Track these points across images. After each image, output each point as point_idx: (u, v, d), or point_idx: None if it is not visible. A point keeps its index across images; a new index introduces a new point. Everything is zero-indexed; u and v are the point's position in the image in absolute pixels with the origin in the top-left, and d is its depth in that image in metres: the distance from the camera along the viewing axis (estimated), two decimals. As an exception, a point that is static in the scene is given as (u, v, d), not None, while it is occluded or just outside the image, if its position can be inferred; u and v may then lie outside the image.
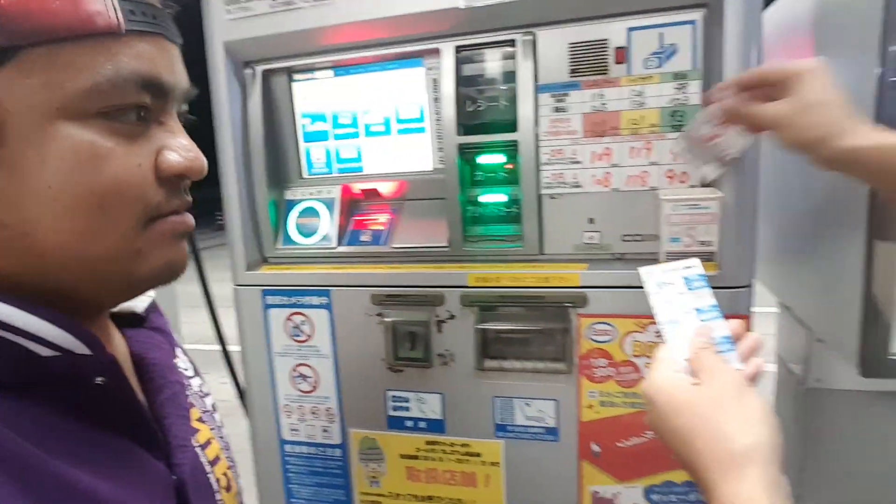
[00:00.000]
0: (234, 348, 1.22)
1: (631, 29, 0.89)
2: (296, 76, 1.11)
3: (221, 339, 1.27)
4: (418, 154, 1.06)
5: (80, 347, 0.39)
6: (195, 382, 0.60)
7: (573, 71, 0.92)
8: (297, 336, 1.06)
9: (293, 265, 1.08)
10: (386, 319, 1.00)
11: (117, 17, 0.38)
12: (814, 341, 1.05)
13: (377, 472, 1.05)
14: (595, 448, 0.93)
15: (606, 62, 0.90)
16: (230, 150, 1.08)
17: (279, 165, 1.13)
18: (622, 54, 0.90)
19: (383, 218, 1.07)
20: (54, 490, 0.35)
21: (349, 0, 0.98)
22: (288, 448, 1.11)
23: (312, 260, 1.08)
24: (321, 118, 1.11)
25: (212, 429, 0.57)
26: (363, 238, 1.07)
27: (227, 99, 1.08)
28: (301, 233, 1.10)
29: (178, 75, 0.43)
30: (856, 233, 0.82)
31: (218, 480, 0.52)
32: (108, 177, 0.38)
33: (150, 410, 0.48)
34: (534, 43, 0.93)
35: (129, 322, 0.54)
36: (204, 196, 1.48)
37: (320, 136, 1.12)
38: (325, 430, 1.08)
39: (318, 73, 1.10)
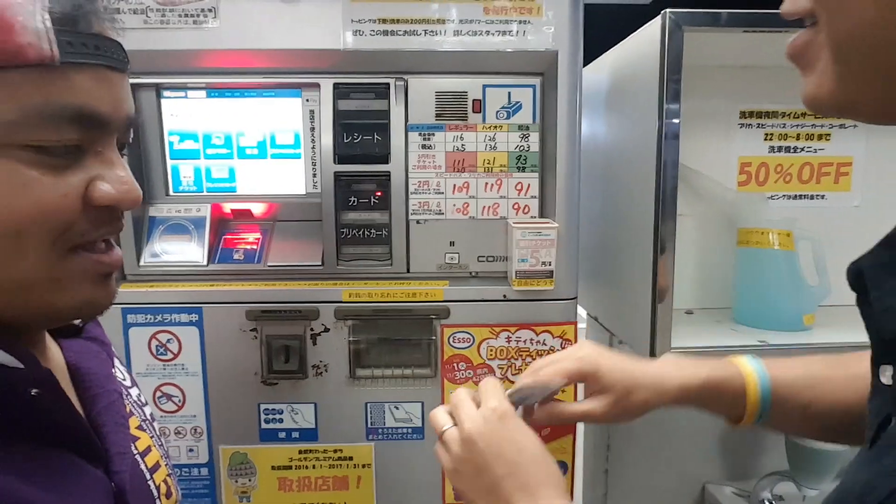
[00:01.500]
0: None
1: (486, 86, 1.07)
2: (165, 93, 1.11)
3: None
4: (292, 178, 1.12)
5: (12, 362, 0.39)
6: (133, 392, 0.60)
7: (438, 115, 1.07)
8: (163, 355, 1.05)
9: (158, 283, 1.07)
10: (261, 334, 1.04)
11: (51, 49, 0.36)
12: (616, 343, 1.32)
13: (248, 486, 1.07)
14: (453, 443, 1.06)
15: (466, 110, 1.07)
16: None
17: (142, 181, 1.11)
18: (478, 105, 1.08)
19: (256, 237, 1.11)
20: None
21: (232, 28, 1.03)
22: (144, 472, 1.07)
23: (181, 277, 1.07)
24: (192, 137, 1.12)
25: (151, 437, 0.57)
26: (236, 256, 1.09)
27: None
28: (168, 251, 1.09)
29: (119, 105, 0.43)
30: (645, 252, 1.07)
31: (158, 487, 0.53)
32: (26, 206, 0.38)
33: (87, 420, 0.48)
34: (405, 88, 1.06)
35: (65, 332, 0.54)
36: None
37: (190, 155, 1.12)
38: (190, 450, 1.06)
39: (190, 93, 1.11)
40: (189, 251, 1.09)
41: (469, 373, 1.05)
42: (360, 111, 1.08)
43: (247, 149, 1.12)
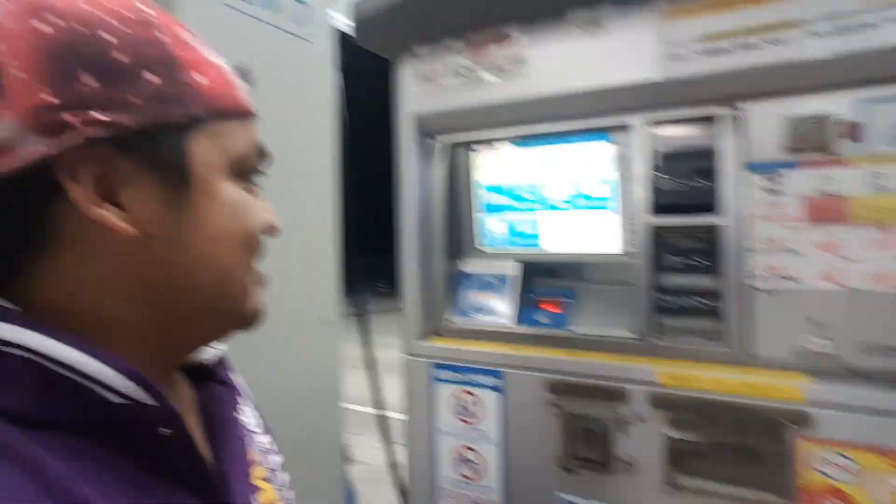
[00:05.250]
0: (393, 415, 1.22)
1: (868, 101, 0.75)
2: (475, 147, 1.10)
3: (380, 405, 1.29)
4: (602, 233, 0.99)
5: (145, 398, 0.40)
6: (264, 440, 0.59)
7: (790, 148, 0.80)
8: (464, 416, 1.03)
9: (465, 339, 1.05)
10: (562, 410, 0.93)
11: (247, 101, 0.47)
12: None
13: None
14: None
15: (830, 139, 0.77)
16: (412, 218, 1.10)
17: (454, 236, 1.12)
18: (855, 130, 0.77)
19: (562, 299, 1.01)
20: None
21: (537, 73, 0.95)
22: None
23: (485, 336, 1.04)
24: (498, 190, 1.09)
25: (277, 489, 0.55)
26: (540, 319, 1.01)
27: (414, 169, 1.10)
28: (474, 307, 1.07)
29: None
30: None
31: None
32: (254, 223, 0.47)
33: (213, 465, 0.48)
34: (738, 118, 0.82)
35: (198, 375, 0.55)
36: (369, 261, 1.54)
37: (497, 208, 1.09)
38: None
39: (498, 145, 1.08)
40: (494, 310, 1.05)
41: (845, 513, 0.74)
42: (681, 152, 0.88)
43: (552, 200, 1.03)
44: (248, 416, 0.59)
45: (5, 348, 0.37)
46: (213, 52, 0.47)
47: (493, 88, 1.00)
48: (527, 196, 1.06)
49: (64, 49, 0.38)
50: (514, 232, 1.08)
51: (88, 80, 0.38)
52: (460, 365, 1.03)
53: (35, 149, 0.37)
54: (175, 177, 0.42)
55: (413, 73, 1.10)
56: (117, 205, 0.41)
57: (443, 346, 1.06)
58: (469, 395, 1.02)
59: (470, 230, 1.12)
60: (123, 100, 0.39)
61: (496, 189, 1.09)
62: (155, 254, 0.43)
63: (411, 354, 1.09)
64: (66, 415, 0.38)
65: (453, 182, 1.12)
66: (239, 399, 0.58)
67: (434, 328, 1.10)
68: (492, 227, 1.10)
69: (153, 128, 0.41)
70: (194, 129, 0.43)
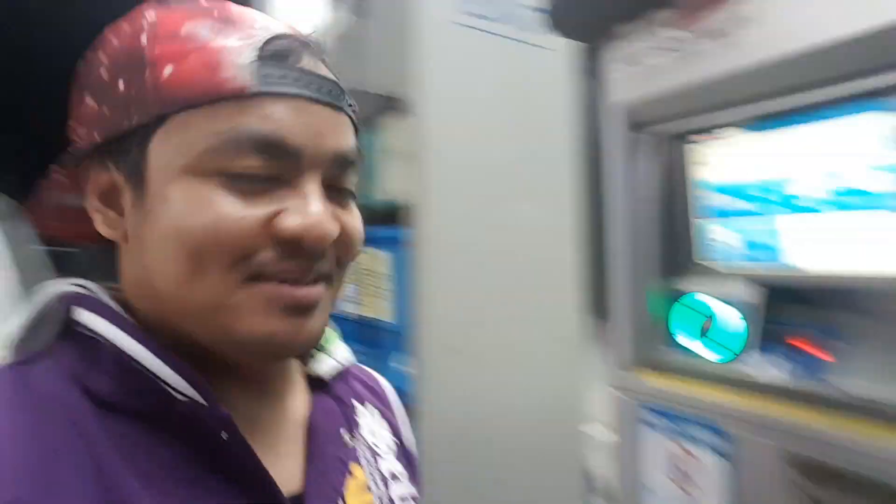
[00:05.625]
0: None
1: None
2: (695, 137, 0.87)
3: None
4: (879, 243, 0.67)
5: (198, 397, 0.40)
6: (395, 466, 0.54)
7: None
8: (679, 480, 0.82)
9: (683, 378, 0.84)
10: (810, 499, 0.66)
11: (247, 81, 0.39)
12: None
13: None
14: None
15: None
16: (621, 227, 0.93)
17: (670, 249, 0.90)
18: None
19: (819, 337, 0.73)
20: None
21: (769, 31, 0.70)
22: None
23: (709, 377, 0.81)
24: (726, 190, 0.84)
25: None
26: (784, 362, 0.74)
27: (622, 169, 0.93)
28: (695, 336, 0.85)
29: (319, 138, 0.41)
30: None
31: None
32: (201, 224, 0.39)
33: (302, 480, 0.46)
34: None
35: (315, 386, 0.52)
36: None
37: (725, 213, 0.84)
38: None
39: (724, 132, 0.83)
40: (722, 343, 0.81)
41: None
42: None
43: (801, 199, 0.75)
44: (375, 436, 0.56)
45: (99, 338, 0.41)
46: (248, 30, 0.40)
47: (715, 59, 0.77)
48: (765, 196, 0.79)
49: (82, 78, 0.43)
50: (748, 243, 0.82)
51: (89, 101, 0.42)
52: (674, 412, 0.82)
53: (74, 166, 0.43)
54: (136, 182, 0.41)
55: (616, 56, 0.93)
56: (123, 212, 0.43)
57: (655, 383, 0.87)
58: (685, 454, 0.81)
59: (689, 241, 0.89)
60: (100, 113, 0.41)
61: (724, 189, 0.84)
62: (133, 258, 0.43)
63: (617, 388, 0.92)
64: (139, 403, 0.40)
65: (668, 183, 0.90)
66: (358, 417, 0.55)
67: (646, 359, 0.91)
68: (718, 237, 0.85)
69: (118, 135, 0.41)
70: (155, 127, 0.40)
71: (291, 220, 0.40)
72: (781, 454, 0.69)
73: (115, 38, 0.43)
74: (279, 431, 0.47)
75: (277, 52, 0.40)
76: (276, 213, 0.40)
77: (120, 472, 0.38)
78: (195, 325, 0.41)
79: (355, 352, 0.57)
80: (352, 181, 0.45)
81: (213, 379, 0.42)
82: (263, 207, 0.40)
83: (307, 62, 0.42)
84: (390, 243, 1.44)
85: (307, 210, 0.40)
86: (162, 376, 0.39)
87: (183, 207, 0.39)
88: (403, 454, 0.59)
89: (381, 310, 1.58)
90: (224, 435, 0.40)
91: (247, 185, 0.39)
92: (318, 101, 0.41)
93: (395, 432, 0.59)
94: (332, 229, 0.41)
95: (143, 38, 0.40)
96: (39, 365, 0.41)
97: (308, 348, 0.45)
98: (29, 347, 0.42)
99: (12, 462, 0.35)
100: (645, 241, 0.91)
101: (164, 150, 0.40)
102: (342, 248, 0.43)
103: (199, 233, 0.39)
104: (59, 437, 0.37)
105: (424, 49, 1.29)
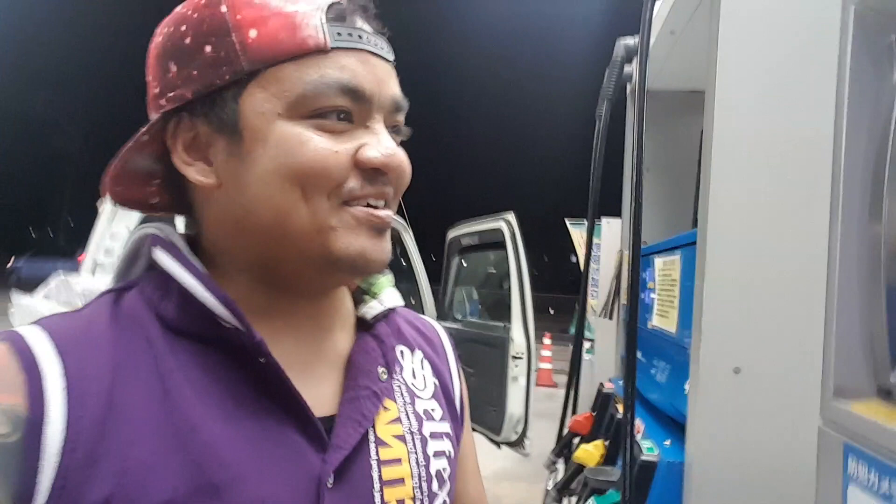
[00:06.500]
0: None
1: None
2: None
3: None
4: None
5: (236, 323, 0.46)
6: (424, 405, 0.58)
7: None
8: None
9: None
10: None
11: (324, 39, 0.47)
12: None
13: None
14: None
15: None
16: (860, 175, 0.60)
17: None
18: None
19: None
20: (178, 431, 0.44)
21: None
22: None
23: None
24: None
25: (411, 452, 0.54)
26: None
27: (865, 90, 0.61)
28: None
29: (382, 86, 0.49)
30: None
31: (385, 501, 0.51)
32: (307, 159, 0.46)
33: (338, 409, 0.51)
34: None
35: (360, 327, 0.58)
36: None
37: None
38: None
39: None
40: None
41: None
42: None
43: None
44: (416, 377, 0.61)
45: (168, 273, 0.49)
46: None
47: None
48: None
49: (162, 49, 0.50)
50: None
51: (172, 68, 0.49)
52: (885, 460, 0.52)
53: (157, 127, 0.50)
54: (232, 130, 0.48)
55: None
56: (211, 162, 0.50)
57: (867, 417, 0.56)
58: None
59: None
60: (188, 75, 0.48)
61: None
62: (231, 199, 0.49)
63: (825, 420, 0.62)
64: (196, 328, 0.48)
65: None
66: (400, 358, 0.60)
67: (877, 387, 0.58)
68: None
69: (208, 92, 0.47)
70: (247, 82, 0.47)
71: (374, 152, 0.48)
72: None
73: (191, 10, 0.49)
74: (322, 362, 0.54)
75: (339, 14, 0.49)
76: (359, 148, 0.49)
77: (182, 390, 0.45)
78: (294, 248, 0.48)
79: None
80: (402, 122, 0.54)
81: (272, 314, 0.51)
82: (348, 143, 0.48)
83: (361, 22, 0.50)
84: (685, 246, 1.29)
85: (384, 144, 0.49)
86: (209, 306, 0.47)
87: (286, 147, 0.46)
88: (444, 396, 0.63)
89: (670, 320, 1.43)
90: (262, 359, 0.47)
91: (328, 123, 0.48)
92: (377, 55, 0.50)
93: (440, 375, 0.64)
94: (406, 159, 0.51)
95: (223, 7, 0.47)
96: (130, 292, 0.51)
97: (385, 266, 0.53)
98: (125, 277, 0.54)
99: (111, 357, 0.46)
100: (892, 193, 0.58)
101: (258, 100, 0.47)
102: (400, 178, 0.52)
103: (305, 166, 0.46)
104: (138, 351, 0.46)
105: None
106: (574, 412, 2.00)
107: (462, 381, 0.68)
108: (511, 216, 2.96)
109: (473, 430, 3.29)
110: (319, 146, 0.46)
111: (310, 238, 0.48)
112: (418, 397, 0.59)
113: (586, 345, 3.86)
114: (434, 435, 0.58)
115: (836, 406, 0.56)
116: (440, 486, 0.56)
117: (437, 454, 0.57)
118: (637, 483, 1.12)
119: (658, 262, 1.54)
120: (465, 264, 3.72)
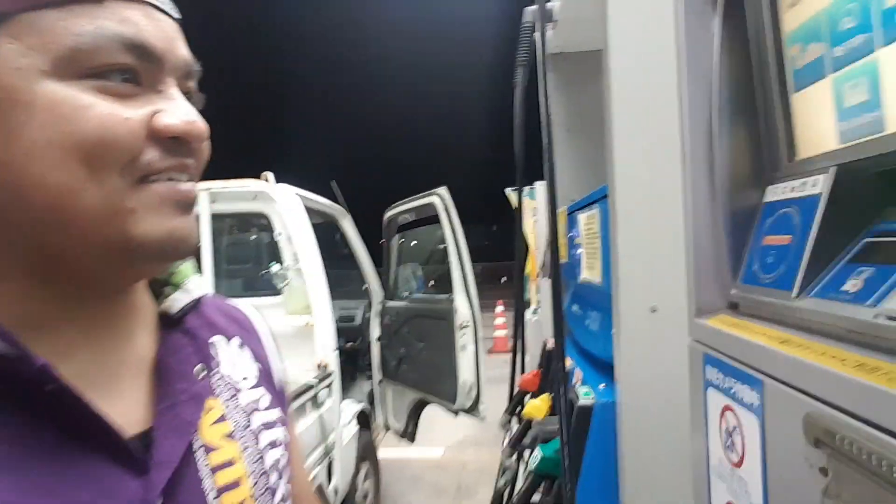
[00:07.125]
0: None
1: None
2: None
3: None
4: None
5: (6, 349, 0.36)
6: (248, 396, 0.52)
7: None
8: (729, 449, 0.58)
9: (749, 319, 0.60)
10: (828, 479, 0.41)
11: None
12: None
13: None
14: None
15: None
16: (694, 110, 0.68)
17: (757, 142, 0.64)
18: None
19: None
20: None
21: None
22: None
23: (769, 314, 0.56)
24: (816, 36, 0.56)
25: (244, 449, 0.49)
26: (845, 287, 0.47)
27: (695, 32, 0.68)
28: (767, 265, 0.59)
29: (172, 46, 0.43)
30: None
31: None
32: (91, 128, 0.38)
33: (153, 421, 0.44)
34: None
35: (165, 324, 0.50)
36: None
37: (816, 72, 0.56)
38: None
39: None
40: (782, 266, 0.55)
41: None
42: None
43: None
44: (235, 367, 0.54)
45: None
46: None
47: None
48: (855, 26, 0.50)
49: None
50: (841, 109, 0.53)
51: None
52: (726, 362, 0.59)
53: None
54: None
55: None
56: None
57: (719, 328, 0.63)
58: (732, 416, 0.57)
59: (785, 129, 0.61)
60: None
61: (813, 36, 0.56)
62: None
63: (692, 338, 0.69)
64: None
65: (747, 46, 0.64)
66: (214, 351, 0.53)
67: (726, 301, 0.66)
68: (812, 115, 0.57)
69: None
70: None
71: (172, 118, 0.41)
72: (801, 411, 0.44)
73: None
74: (123, 372, 0.45)
75: None
76: (153, 115, 0.41)
77: None
78: (80, 237, 0.40)
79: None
80: (194, 88, 0.47)
81: (56, 325, 0.41)
82: (140, 109, 0.40)
83: None
84: (601, 199, 1.35)
85: (183, 110, 0.42)
86: None
87: (60, 112, 0.37)
88: (267, 381, 0.57)
89: (596, 272, 1.50)
90: (49, 386, 0.37)
91: (112, 85, 0.39)
92: (162, 11, 0.43)
93: (260, 360, 0.58)
94: (206, 127, 0.43)
95: None
96: None
97: (195, 248, 0.45)
98: None
99: None
100: (721, 134, 0.65)
101: (12, 53, 0.37)
102: (202, 148, 0.45)
103: (89, 136, 0.38)
104: None
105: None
106: (523, 371, 2.08)
107: (281, 359, 0.62)
108: (444, 190, 2.99)
109: (431, 401, 3.43)
110: (105, 112, 0.38)
111: (101, 224, 0.39)
112: (241, 389, 0.53)
113: (533, 306, 4.00)
114: (266, 425, 0.53)
115: (697, 323, 0.63)
116: (279, 478, 0.52)
117: (272, 445, 0.53)
118: (577, 427, 1.20)
119: (581, 217, 1.61)
120: (405, 243, 3.75)
